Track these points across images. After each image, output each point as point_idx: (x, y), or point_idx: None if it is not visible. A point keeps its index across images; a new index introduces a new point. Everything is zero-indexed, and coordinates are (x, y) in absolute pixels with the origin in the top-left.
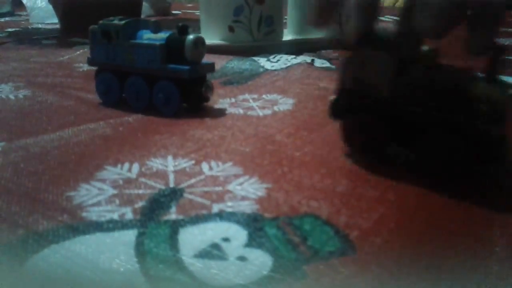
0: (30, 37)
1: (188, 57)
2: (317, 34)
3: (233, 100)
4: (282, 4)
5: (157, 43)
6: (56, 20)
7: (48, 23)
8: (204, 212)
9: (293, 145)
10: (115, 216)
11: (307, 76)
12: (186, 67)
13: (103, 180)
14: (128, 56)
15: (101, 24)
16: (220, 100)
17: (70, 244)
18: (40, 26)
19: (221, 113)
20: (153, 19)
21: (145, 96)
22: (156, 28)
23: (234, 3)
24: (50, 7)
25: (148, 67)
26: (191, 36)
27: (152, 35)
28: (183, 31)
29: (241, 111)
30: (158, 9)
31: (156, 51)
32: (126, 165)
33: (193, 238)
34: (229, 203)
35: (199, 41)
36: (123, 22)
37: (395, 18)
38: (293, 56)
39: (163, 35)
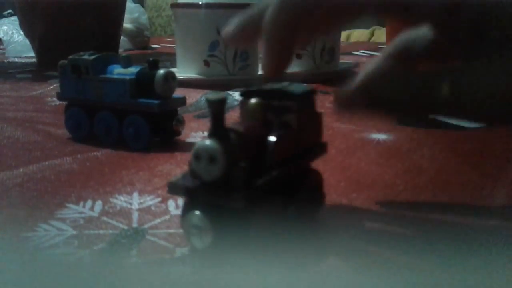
0: (5, 71)
1: (158, 92)
2: (291, 68)
3: (205, 133)
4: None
5: (127, 77)
6: (33, 54)
7: (24, 57)
8: (166, 256)
9: None
10: (73, 259)
11: None
12: (156, 101)
13: (63, 220)
14: (97, 91)
15: (70, 59)
16: (193, 134)
17: None
18: (16, 60)
19: (192, 147)
20: (131, 53)
21: (115, 130)
22: (126, 63)
23: (209, 38)
24: (27, 41)
25: (117, 101)
26: (161, 71)
27: (122, 70)
28: (154, 66)
29: None
30: (137, 43)
31: (126, 85)
32: (89, 202)
33: (152, 283)
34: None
35: (170, 76)
36: (92, 57)
37: (369, 52)
38: None
39: (133, 69)
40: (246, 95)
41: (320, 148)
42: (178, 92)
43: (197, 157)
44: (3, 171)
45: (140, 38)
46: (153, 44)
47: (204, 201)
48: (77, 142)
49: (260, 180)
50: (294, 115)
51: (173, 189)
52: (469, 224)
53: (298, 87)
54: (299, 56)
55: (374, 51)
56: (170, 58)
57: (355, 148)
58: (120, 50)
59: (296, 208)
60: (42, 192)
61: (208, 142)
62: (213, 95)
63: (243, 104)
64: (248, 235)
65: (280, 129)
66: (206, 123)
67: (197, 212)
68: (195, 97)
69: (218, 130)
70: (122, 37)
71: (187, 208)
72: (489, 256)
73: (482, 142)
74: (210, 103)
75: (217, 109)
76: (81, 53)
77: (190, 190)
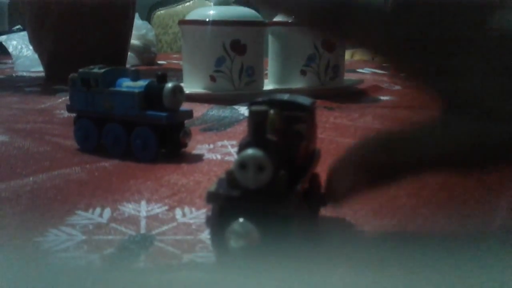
0: (14, 85)
1: (166, 104)
2: (296, 84)
3: (211, 146)
4: (263, 55)
5: (136, 90)
6: (41, 69)
7: (33, 71)
8: (174, 262)
9: None
10: (82, 263)
11: None
12: (164, 114)
13: (73, 225)
14: (106, 103)
15: (80, 72)
16: (198, 146)
17: None
18: (25, 74)
19: (198, 158)
20: (138, 68)
21: (123, 142)
22: (135, 76)
23: (215, 54)
24: (36, 56)
25: (126, 113)
26: (169, 84)
27: (131, 83)
28: (162, 79)
29: (219, 157)
30: (144, 59)
31: (135, 98)
32: (98, 210)
33: None
34: (200, 254)
35: (177, 89)
36: (102, 70)
37: (373, 70)
38: None
39: (142, 83)
40: (255, 105)
41: (318, 154)
42: (185, 107)
43: (243, 166)
44: (14, 180)
45: (147, 54)
46: (159, 60)
47: (250, 208)
48: (85, 153)
49: (299, 185)
50: (305, 124)
51: (214, 198)
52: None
53: (304, 99)
54: (304, 73)
55: (378, 69)
56: (176, 74)
57: None
58: (127, 66)
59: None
60: (52, 200)
61: (254, 151)
62: (257, 106)
63: (251, 114)
64: (290, 239)
65: (294, 137)
66: (212, 136)
67: (241, 219)
68: (201, 111)
69: (260, 140)
70: (129, 53)
71: (228, 216)
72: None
73: None
74: (253, 114)
75: (260, 119)
76: (91, 66)
77: (233, 198)
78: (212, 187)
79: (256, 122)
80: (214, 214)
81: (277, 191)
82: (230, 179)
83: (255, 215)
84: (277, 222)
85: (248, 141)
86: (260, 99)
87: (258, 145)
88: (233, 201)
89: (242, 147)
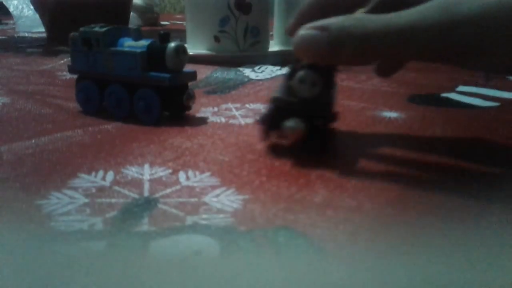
0: (15, 46)
1: (169, 65)
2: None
3: (215, 109)
4: (268, 15)
5: (138, 50)
6: (43, 29)
7: (34, 32)
8: (177, 224)
9: (273, 154)
10: (85, 226)
11: None
12: (167, 75)
13: (75, 188)
14: (108, 64)
15: (81, 32)
16: (203, 109)
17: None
18: (26, 35)
19: (202, 121)
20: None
21: (126, 104)
22: (137, 35)
23: (219, 13)
24: (37, 16)
25: (128, 75)
26: (172, 44)
27: (133, 43)
28: (165, 39)
29: (223, 120)
30: (146, 19)
31: (137, 58)
32: (101, 172)
33: (163, 251)
34: (204, 216)
35: (181, 49)
36: (103, 29)
37: None
38: (278, 67)
39: (144, 42)
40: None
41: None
42: (189, 68)
43: (302, 81)
44: (16, 142)
45: (149, 14)
46: (162, 21)
47: (302, 111)
48: (88, 115)
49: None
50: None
51: (277, 101)
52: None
53: None
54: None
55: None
56: (180, 35)
57: (366, 126)
58: (130, 26)
59: None
60: (54, 163)
61: (311, 71)
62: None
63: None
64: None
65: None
66: (216, 99)
67: (295, 119)
68: (205, 73)
69: (312, 67)
70: (131, 13)
71: (285, 113)
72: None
73: (493, 121)
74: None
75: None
76: (92, 25)
77: (292, 103)
78: (275, 93)
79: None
80: (270, 113)
81: (323, 101)
82: (289, 89)
83: (305, 115)
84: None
85: (305, 64)
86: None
87: (312, 69)
88: (292, 105)
89: (298, 68)
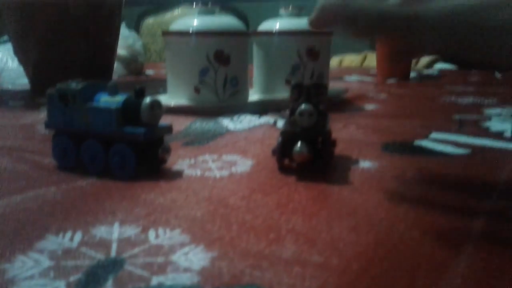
0: None
1: (144, 120)
2: (282, 94)
3: (192, 161)
4: (247, 66)
5: (113, 106)
6: (26, 81)
7: (18, 84)
8: (142, 285)
9: (245, 208)
10: None
11: (269, 136)
12: (142, 130)
13: (41, 251)
14: (84, 119)
15: (58, 88)
16: (179, 161)
17: None
18: (10, 87)
19: (177, 175)
20: (125, 78)
21: (101, 159)
22: (113, 91)
23: (199, 65)
24: (21, 68)
25: (104, 130)
26: (147, 99)
27: (109, 98)
28: (140, 94)
29: (199, 173)
30: (131, 69)
31: (112, 114)
32: (69, 233)
33: None
34: (170, 275)
35: (156, 104)
36: (80, 85)
37: (361, 77)
38: (257, 116)
39: (119, 98)
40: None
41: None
42: (168, 119)
43: (302, 114)
44: None
45: (134, 64)
46: (147, 70)
47: (305, 137)
48: (63, 171)
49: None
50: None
51: (284, 133)
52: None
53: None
54: (289, 82)
55: (366, 76)
56: (163, 84)
57: (340, 176)
58: (114, 76)
59: None
60: (23, 223)
61: (308, 107)
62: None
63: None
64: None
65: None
66: (194, 150)
67: (299, 143)
68: (184, 124)
69: (309, 101)
70: (116, 63)
71: (292, 141)
72: None
73: (464, 169)
74: (306, 86)
75: (308, 90)
76: (69, 81)
77: (296, 132)
78: (283, 126)
79: (305, 92)
80: (281, 143)
81: (320, 128)
82: (292, 123)
83: (308, 140)
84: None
85: (301, 101)
86: (295, 82)
87: (309, 103)
88: (296, 134)
89: (297, 105)
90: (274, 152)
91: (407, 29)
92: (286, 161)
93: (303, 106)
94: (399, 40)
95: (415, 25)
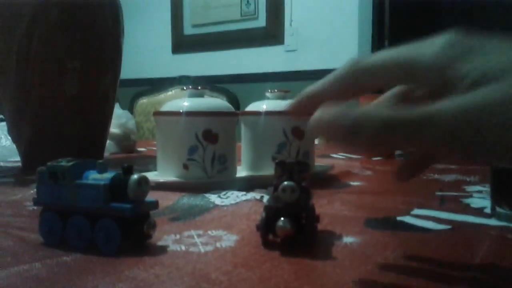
0: None
1: (131, 196)
2: (268, 171)
3: (177, 236)
4: (234, 143)
5: (101, 183)
6: (18, 158)
7: (10, 161)
8: None
9: (228, 283)
10: None
11: (254, 212)
12: (128, 206)
13: None
14: (72, 196)
15: (48, 166)
16: (165, 237)
17: None
18: (1, 164)
19: (162, 250)
20: (117, 156)
21: (87, 235)
22: (102, 168)
23: (188, 143)
24: (14, 146)
25: (91, 206)
26: (135, 176)
27: (98, 176)
28: (128, 171)
29: (183, 248)
30: (123, 147)
31: (100, 190)
32: None
33: None
34: None
35: (143, 181)
36: (70, 164)
37: (347, 155)
38: (244, 192)
39: (108, 175)
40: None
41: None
42: (157, 195)
43: (284, 190)
44: None
45: (126, 142)
46: (140, 147)
47: (288, 212)
48: (49, 247)
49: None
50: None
51: (269, 208)
52: None
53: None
54: (275, 160)
55: (352, 154)
56: (154, 161)
57: (325, 252)
58: (106, 154)
59: None
60: None
61: (290, 183)
62: (288, 159)
63: (285, 164)
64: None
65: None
66: (180, 226)
67: (282, 218)
68: (172, 199)
69: (291, 179)
70: (108, 141)
71: (276, 216)
72: None
73: (444, 243)
74: (288, 164)
75: (290, 167)
76: (59, 159)
77: (279, 207)
78: (267, 202)
79: (288, 169)
80: (265, 218)
81: (302, 203)
82: (275, 198)
83: (291, 216)
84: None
85: (284, 178)
86: (279, 160)
87: (292, 180)
88: (280, 208)
89: (279, 182)
90: (258, 227)
91: (423, 136)
92: (270, 237)
93: (285, 183)
94: (416, 149)
95: (432, 130)
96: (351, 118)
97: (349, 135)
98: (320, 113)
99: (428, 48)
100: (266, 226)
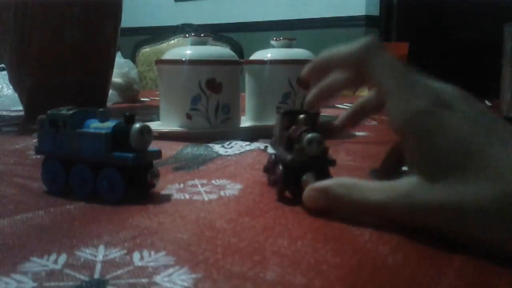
0: None
1: (134, 145)
2: (273, 121)
3: (181, 185)
4: (239, 93)
5: (103, 131)
6: (21, 107)
7: (13, 110)
8: None
9: (232, 231)
10: None
11: (258, 162)
12: (130, 155)
13: (25, 273)
14: (74, 145)
15: (49, 114)
16: (168, 186)
17: None
18: (4, 113)
19: (165, 199)
20: (120, 106)
21: (90, 183)
22: (103, 117)
23: (191, 92)
24: (16, 95)
25: (93, 155)
26: (136, 125)
27: (99, 124)
28: (130, 120)
29: (187, 196)
30: (126, 96)
31: (102, 139)
32: (53, 255)
33: None
34: None
35: (145, 130)
36: (70, 112)
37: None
38: (248, 142)
39: (109, 124)
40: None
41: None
42: (160, 145)
43: (310, 142)
44: None
45: (129, 91)
46: (143, 97)
47: (314, 166)
48: (52, 195)
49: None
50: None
51: (293, 162)
52: None
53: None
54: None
55: None
56: (157, 111)
57: None
58: (109, 103)
59: None
60: (9, 246)
61: (315, 134)
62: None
63: (308, 114)
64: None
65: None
66: (183, 175)
67: (310, 173)
68: (175, 149)
69: (315, 130)
70: (111, 91)
71: (299, 171)
72: None
73: None
74: (311, 114)
75: (314, 118)
76: (60, 108)
77: (304, 161)
78: (289, 157)
79: (311, 120)
80: (285, 170)
81: (327, 156)
82: (298, 151)
83: (317, 169)
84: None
85: (307, 129)
86: (285, 110)
87: (316, 131)
88: (303, 162)
89: (303, 132)
90: (275, 181)
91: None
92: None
93: (311, 134)
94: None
95: (450, 216)
96: (329, 198)
97: (331, 207)
98: (307, 194)
99: (353, 46)
100: (285, 181)
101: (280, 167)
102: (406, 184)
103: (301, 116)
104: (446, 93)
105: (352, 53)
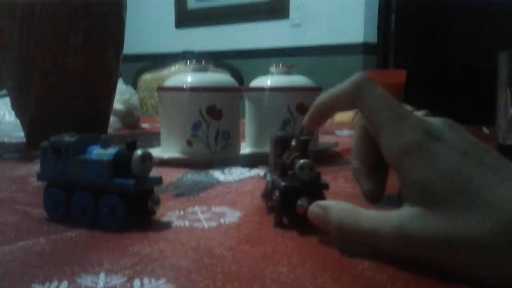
0: None
1: (135, 172)
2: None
3: (181, 212)
4: (238, 120)
5: (105, 158)
6: (23, 134)
7: (14, 137)
8: None
9: (231, 258)
10: None
11: (258, 188)
12: (132, 181)
13: None
14: (76, 171)
15: (52, 141)
16: (169, 213)
17: None
18: (6, 140)
19: (166, 226)
20: (121, 132)
21: (91, 210)
22: (105, 144)
23: (192, 119)
24: (18, 121)
25: (95, 181)
26: (138, 152)
27: (101, 151)
28: (132, 146)
29: (187, 224)
30: (127, 123)
31: (104, 166)
32: (55, 283)
33: None
34: None
35: (146, 156)
36: (73, 138)
37: (352, 132)
38: (248, 168)
39: (111, 150)
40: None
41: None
42: (161, 171)
43: (302, 168)
44: None
45: (130, 118)
46: (143, 124)
47: (307, 191)
48: (53, 222)
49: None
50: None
51: (287, 188)
52: None
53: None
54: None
55: None
56: (158, 137)
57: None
58: (110, 130)
59: None
60: (10, 273)
61: (307, 160)
62: (304, 136)
63: (299, 140)
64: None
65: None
66: (184, 202)
67: (303, 197)
68: (176, 176)
69: (305, 156)
70: (112, 117)
71: (293, 196)
72: None
73: None
74: (301, 140)
75: (305, 144)
76: (63, 134)
77: (299, 186)
78: (283, 183)
79: (302, 146)
80: (281, 197)
81: (320, 181)
82: (291, 177)
83: (310, 194)
84: (319, 194)
85: (298, 155)
86: (280, 134)
87: (306, 157)
88: (296, 188)
89: (295, 158)
90: (272, 208)
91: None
92: (284, 218)
93: (303, 161)
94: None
95: (441, 249)
96: (327, 217)
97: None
98: (311, 209)
99: (345, 84)
100: (282, 207)
101: (277, 193)
102: (397, 215)
103: (293, 142)
104: (436, 125)
105: (345, 93)
